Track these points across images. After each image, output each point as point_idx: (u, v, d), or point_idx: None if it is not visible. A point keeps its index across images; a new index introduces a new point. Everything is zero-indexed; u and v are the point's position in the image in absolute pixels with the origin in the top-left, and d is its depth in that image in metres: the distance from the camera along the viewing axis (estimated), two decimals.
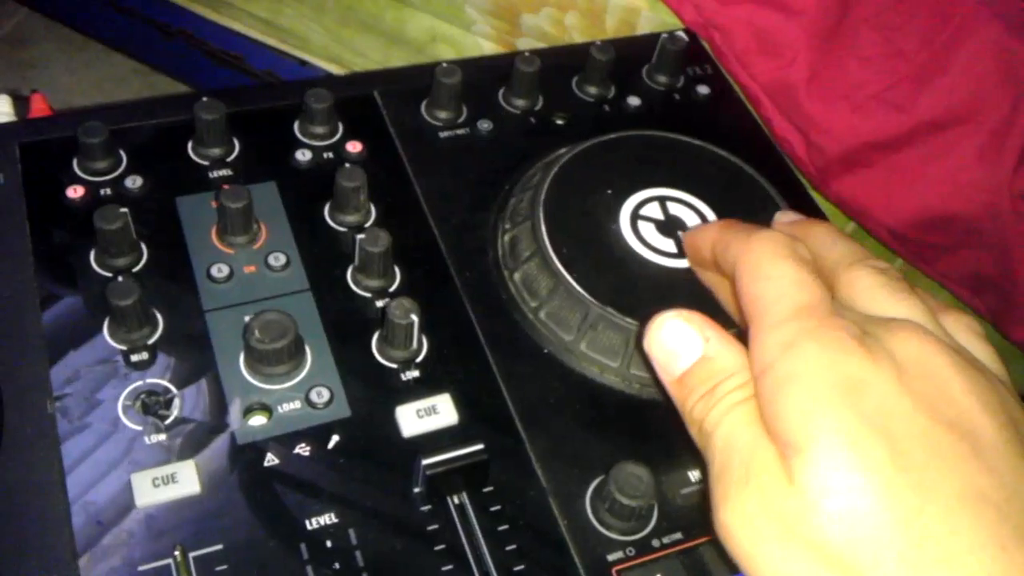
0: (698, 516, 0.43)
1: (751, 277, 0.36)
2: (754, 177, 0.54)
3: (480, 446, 0.41)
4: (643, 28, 0.74)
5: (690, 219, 0.50)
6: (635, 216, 0.50)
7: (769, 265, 0.35)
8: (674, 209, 0.51)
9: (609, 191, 0.51)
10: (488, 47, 0.83)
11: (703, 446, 0.35)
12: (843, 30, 0.64)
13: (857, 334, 0.32)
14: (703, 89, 0.62)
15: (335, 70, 0.92)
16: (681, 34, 0.63)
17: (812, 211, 0.57)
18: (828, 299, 0.34)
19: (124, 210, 0.46)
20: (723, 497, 0.33)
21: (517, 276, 0.49)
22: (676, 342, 0.36)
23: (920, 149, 0.62)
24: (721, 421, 0.34)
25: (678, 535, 0.42)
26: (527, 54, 0.58)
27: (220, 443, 0.42)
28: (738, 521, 0.32)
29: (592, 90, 0.60)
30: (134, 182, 0.50)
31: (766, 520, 0.32)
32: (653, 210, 0.51)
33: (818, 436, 0.31)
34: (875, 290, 0.36)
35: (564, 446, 0.44)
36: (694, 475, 0.44)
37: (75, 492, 0.40)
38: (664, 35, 0.62)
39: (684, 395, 0.36)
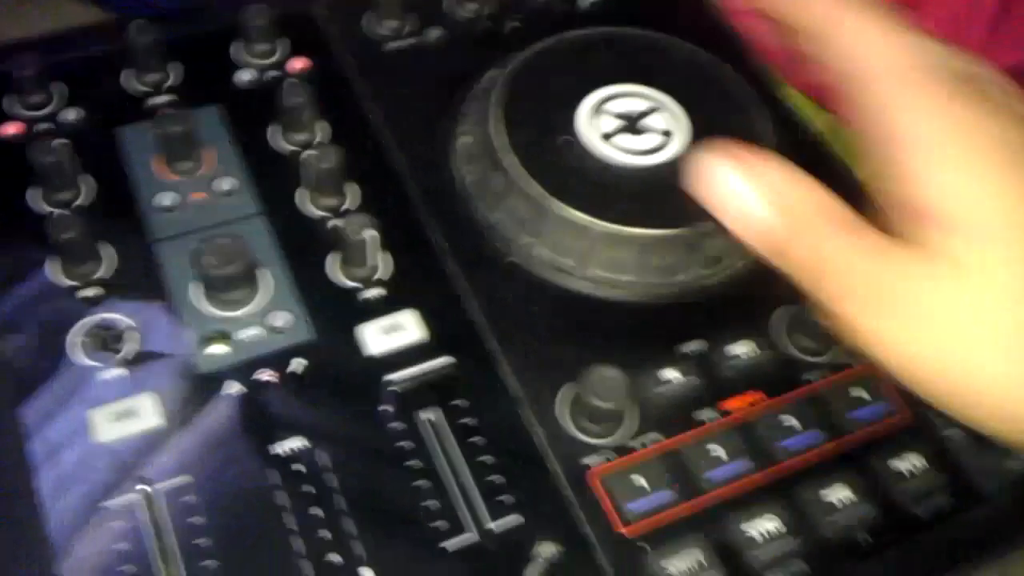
0: (676, 415, 0.42)
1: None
2: (722, 68, 0.52)
3: (446, 358, 0.40)
4: None
5: (653, 114, 0.49)
6: (595, 114, 0.48)
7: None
8: (637, 105, 0.49)
9: (568, 90, 0.49)
10: None
11: (815, 288, 0.33)
12: None
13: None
14: None
15: None
16: None
17: (782, 102, 0.55)
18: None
19: (62, 141, 0.44)
20: (879, 339, 0.30)
21: (475, 181, 0.47)
22: (739, 189, 0.34)
23: None
24: (827, 256, 0.32)
25: (656, 435, 0.41)
26: None
27: (180, 374, 0.41)
28: (920, 351, 0.29)
29: None
30: (72, 115, 0.48)
31: (947, 330, 0.28)
32: (614, 107, 0.49)
33: (982, 202, 0.28)
34: None
35: (535, 354, 0.43)
36: (670, 374, 0.43)
37: (32, 433, 0.38)
38: None
39: (772, 243, 0.33)
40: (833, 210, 0.33)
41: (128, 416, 0.39)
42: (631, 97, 0.49)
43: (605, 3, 0.58)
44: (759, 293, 0.46)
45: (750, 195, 0.33)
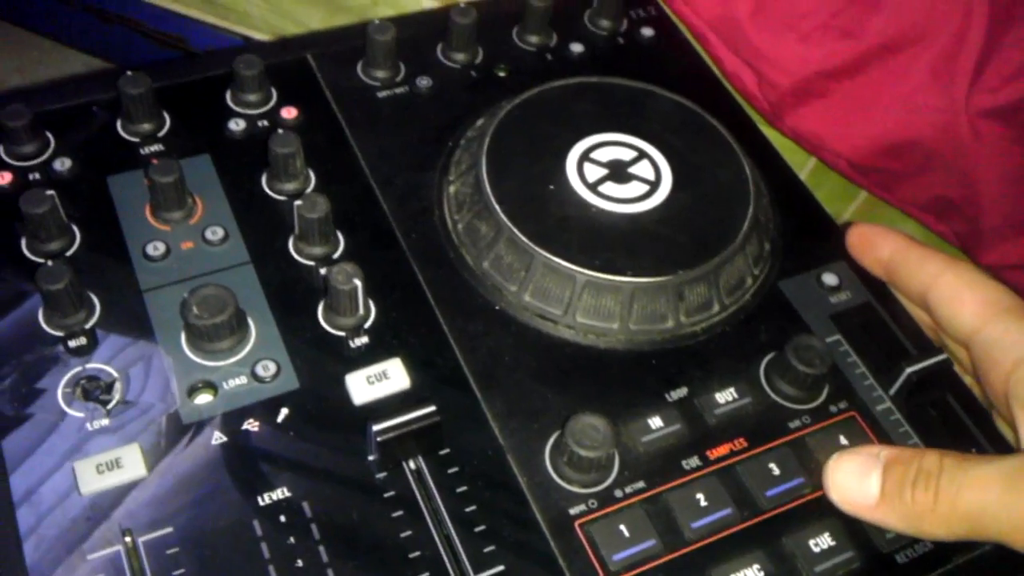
0: (660, 464, 0.42)
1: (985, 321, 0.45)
2: (704, 117, 0.52)
3: (431, 408, 0.40)
4: None
5: (638, 163, 0.49)
6: (582, 163, 0.49)
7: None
8: (621, 154, 0.50)
9: (554, 139, 0.50)
10: (431, 7, 0.81)
11: (957, 533, 0.39)
12: None
13: None
14: (647, 31, 0.61)
15: None
16: None
17: (765, 149, 0.56)
18: None
19: (50, 193, 0.44)
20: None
21: (461, 229, 0.48)
22: (855, 476, 0.40)
23: (872, 75, 0.61)
24: (958, 498, 0.38)
25: (640, 484, 0.41)
26: (463, 5, 0.56)
27: (165, 424, 0.41)
28: None
29: (533, 39, 0.58)
30: (63, 164, 0.49)
31: None
32: (600, 156, 0.49)
33: None
34: None
35: (520, 402, 0.43)
36: (654, 422, 0.43)
37: (18, 485, 0.38)
38: None
39: (894, 511, 0.39)
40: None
41: (113, 467, 0.39)
42: (616, 146, 0.50)
43: (591, 53, 0.59)
44: (744, 341, 0.46)
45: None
